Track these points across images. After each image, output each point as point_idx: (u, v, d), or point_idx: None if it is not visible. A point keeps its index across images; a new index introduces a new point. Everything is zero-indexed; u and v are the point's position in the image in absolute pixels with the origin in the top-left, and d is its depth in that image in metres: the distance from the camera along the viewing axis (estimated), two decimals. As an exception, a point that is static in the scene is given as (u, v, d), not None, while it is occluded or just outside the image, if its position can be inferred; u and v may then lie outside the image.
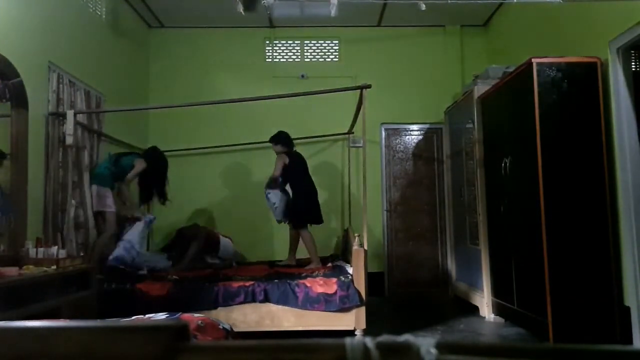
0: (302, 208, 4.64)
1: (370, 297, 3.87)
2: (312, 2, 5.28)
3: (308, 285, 3.66)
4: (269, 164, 4.86)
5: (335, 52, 6.12)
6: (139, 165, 4.43)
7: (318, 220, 4.72)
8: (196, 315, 2.28)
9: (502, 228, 4.13)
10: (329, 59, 6.12)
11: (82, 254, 3.67)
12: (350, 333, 3.59)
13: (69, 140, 3.79)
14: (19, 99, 3.40)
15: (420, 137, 5.99)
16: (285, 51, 6.12)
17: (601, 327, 3.32)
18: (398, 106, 5.93)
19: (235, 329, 2.53)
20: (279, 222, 4.86)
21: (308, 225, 4.66)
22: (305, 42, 6.11)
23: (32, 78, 3.54)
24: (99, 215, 4.17)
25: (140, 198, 4.86)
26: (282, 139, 4.77)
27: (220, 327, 2.15)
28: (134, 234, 4.24)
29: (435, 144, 5.96)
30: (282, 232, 5.28)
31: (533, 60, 3.52)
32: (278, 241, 5.66)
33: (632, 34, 3.21)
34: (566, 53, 3.72)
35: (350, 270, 3.81)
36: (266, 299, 3.63)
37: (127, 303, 3.56)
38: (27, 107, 3.46)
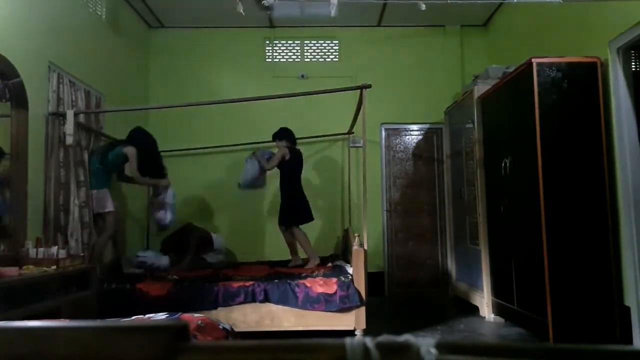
0: (292, 207, 4.68)
1: (370, 297, 3.87)
2: (312, 2, 5.28)
3: (308, 285, 3.67)
4: (269, 164, 4.87)
5: (335, 52, 6.12)
6: (131, 152, 4.32)
7: (308, 218, 4.75)
8: (196, 315, 2.28)
9: (502, 228, 4.12)
10: (328, 59, 6.12)
11: (82, 254, 3.67)
12: (350, 333, 3.59)
13: (69, 140, 3.79)
14: (19, 99, 3.40)
15: (420, 137, 5.99)
16: (285, 51, 6.12)
17: (601, 327, 3.32)
18: (398, 106, 5.93)
19: (235, 329, 2.52)
20: (239, 186, 5.12)
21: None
22: (305, 42, 6.11)
23: (32, 78, 3.54)
24: (99, 216, 4.16)
25: None
26: (285, 135, 4.78)
27: (220, 327, 2.15)
28: (170, 196, 4.77)
29: (435, 144, 5.96)
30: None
31: (533, 60, 3.52)
32: (278, 241, 5.64)
33: (632, 34, 3.20)
34: (566, 53, 3.71)
35: (350, 270, 3.80)
36: (266, 299, 3.63)
37: (127, 303, 3.56)
38: (27, 107, 3.46)
